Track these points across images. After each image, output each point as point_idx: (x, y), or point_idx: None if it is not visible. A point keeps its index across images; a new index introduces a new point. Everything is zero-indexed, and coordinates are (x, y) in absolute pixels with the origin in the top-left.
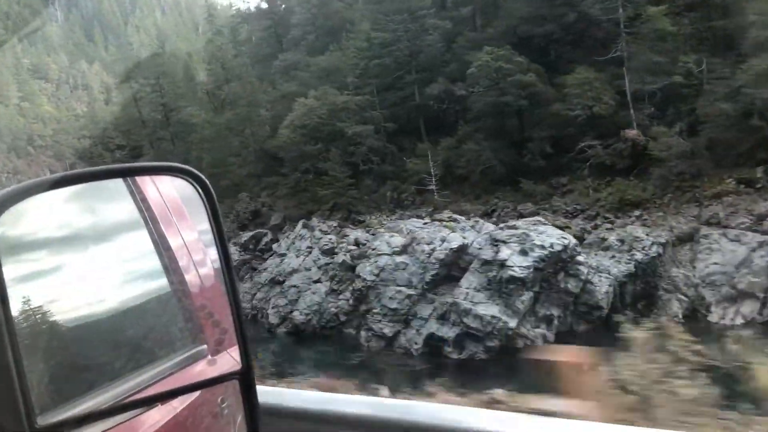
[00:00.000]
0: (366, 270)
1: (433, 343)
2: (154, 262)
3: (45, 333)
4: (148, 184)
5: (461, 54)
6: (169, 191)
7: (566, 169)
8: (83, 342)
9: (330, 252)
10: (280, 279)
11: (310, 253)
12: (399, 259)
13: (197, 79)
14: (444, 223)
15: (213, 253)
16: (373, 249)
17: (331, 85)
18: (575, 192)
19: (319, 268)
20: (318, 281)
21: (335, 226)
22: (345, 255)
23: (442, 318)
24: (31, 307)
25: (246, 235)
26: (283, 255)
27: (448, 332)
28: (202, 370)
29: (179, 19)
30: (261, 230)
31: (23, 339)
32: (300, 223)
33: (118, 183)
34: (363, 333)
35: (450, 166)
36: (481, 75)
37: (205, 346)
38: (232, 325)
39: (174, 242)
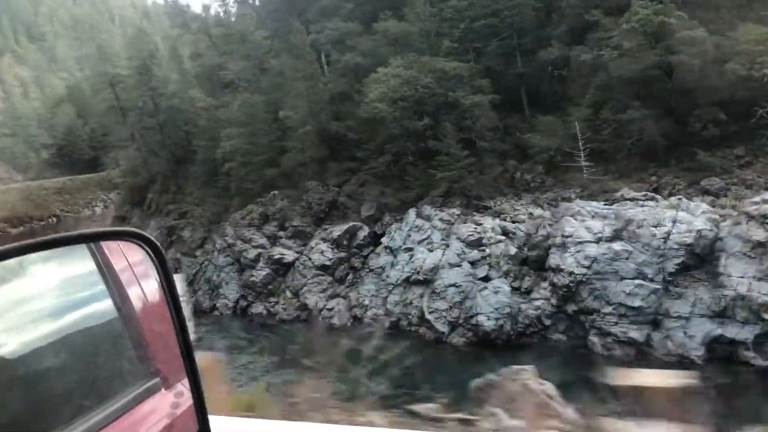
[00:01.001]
0: (568, 262)
1: (720, 347)
2: (107, 304)
3: None
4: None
5: (572, 14)
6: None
7: (742, 137)
8: (32, 387)
9: (477, 243)
10: (422, 278)
11: (447, 246)
12: (616, 246)
13: (185, 62)
14: (664, 203)
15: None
16: (566, 236)
17: (411, 53)
18: (757, 164)
19: (473, 263)
20: (486, 278)
21: (458, 215)
22: (509, 246)
23: (721, 315)
24: None
25: (336, 230)
26: (408, 250)
27: (741, 333)
28: (157, 406)
29: (93, 8)
30: (355, 223)
31: None
32: (411, 213)
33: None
34: (595, 339)
35: (587, 140)
36: (633, 33)
37: (158, 379)
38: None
39: (129, 293)
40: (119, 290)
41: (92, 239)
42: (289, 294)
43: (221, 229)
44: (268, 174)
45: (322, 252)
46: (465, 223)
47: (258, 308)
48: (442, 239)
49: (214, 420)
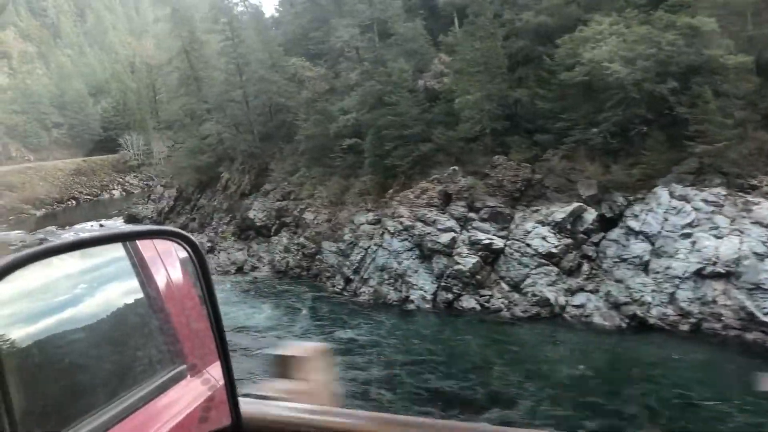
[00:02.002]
0: None
1: None
2: (140, 298)
3: (28, 369)
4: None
5: None
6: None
7: None
8: (67, 374)
9: None
10: (722, 270)
11: (741, 232)
12: None
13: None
14: None
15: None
16: None
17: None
18: None
19: None
20: None
21: (724, 195)
22: None
23: None
24: (17, 344)
25: (557, 213)
26: (686, 236)
27: None
28: (183, 392)
29: None
30: (581, 205)
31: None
32: (662, 192)
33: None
34: None
35: None
36: None
37: (184, 367)
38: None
39: (162, 290)
40: (151, 285)
41: (132, 237)
42: (505, 286)
43: (356, 211)
44: (421, 149)
45: (544, 238)
46: (739, 205)
47: (468, 302)
48: (732, 225)
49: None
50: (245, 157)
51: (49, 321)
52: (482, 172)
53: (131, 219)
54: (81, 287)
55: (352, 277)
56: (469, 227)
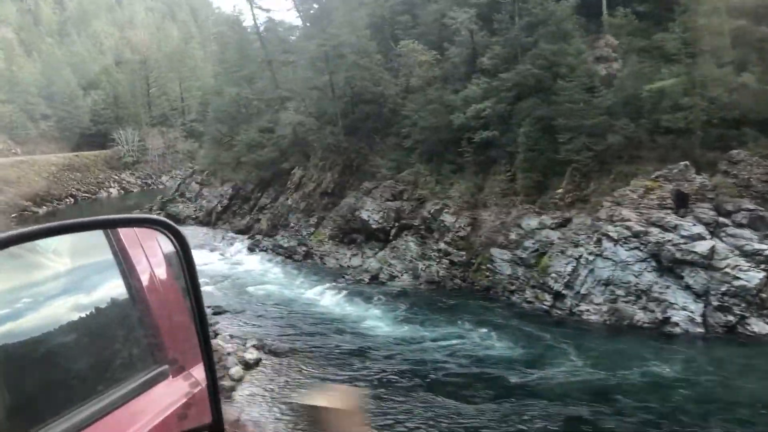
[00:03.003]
0: None
1: None
2: (121, 290)
3: (5, 364)
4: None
5: None
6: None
7: None
8: (44, 368)
9: None
10: None
11: None
12: None
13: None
14: None
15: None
16: None
17: None
18: None
19: None
20: None
21: None
22: None
23: None
24: None
25: None
26: None
27: None
28: (164, 392)
29: None
30: None
31: None
32: None
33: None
34: None
35: None
36: None
37: (166, 367)
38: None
39: (143, 279)
40: (133, 276)
41: (114, 225)
42: None
43: (519, 213)
44: (606, 141)
45: None
46: None
47: (759, 326)
48: None
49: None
50: (325, 152)
51: (26, 313)
52: (720, 169)
53: (172, 220)
54: (60, 278)
55: (563, 291)
56: (723, 234)
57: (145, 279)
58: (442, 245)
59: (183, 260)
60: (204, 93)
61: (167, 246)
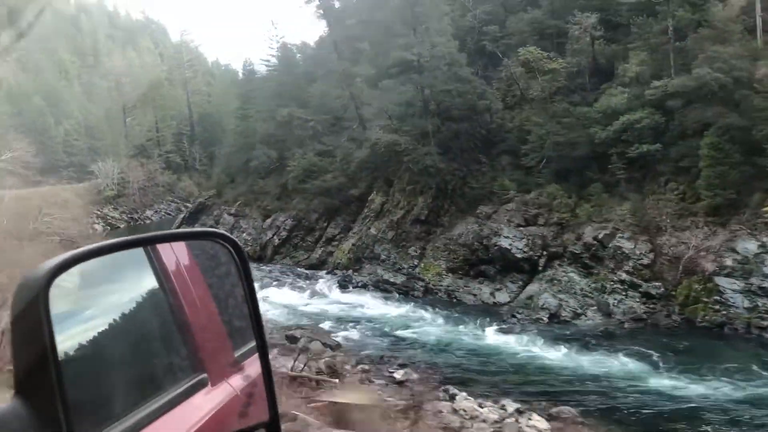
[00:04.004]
0: None
1: None
2: (162, 303)
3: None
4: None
5: None
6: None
7: None
8: (90, 380)
9: None
10: None
11: None
12: None
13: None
14: None
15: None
16: None
17: None
18: None
19: None
20: None
21: None
22: None
23: None
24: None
25: None
26: None
27: None
28: (204, 400)
29: None
30: None
31: None
32: None
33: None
34: None
35: None
36: None
37: (205, 375)
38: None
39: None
40: (173, 290)
41: (175, 239)
42: None
43: (730, 236)
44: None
45: None
46: None
47: None
48: None
49: None
50: (414, 175)
51: (85, 325)
52: None
53: None
54: (105, 291)
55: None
56: None
57: (182, 293)
58: (623, 275)
59: (241, 270)
60: (178, 123)
61: (204, 257)
